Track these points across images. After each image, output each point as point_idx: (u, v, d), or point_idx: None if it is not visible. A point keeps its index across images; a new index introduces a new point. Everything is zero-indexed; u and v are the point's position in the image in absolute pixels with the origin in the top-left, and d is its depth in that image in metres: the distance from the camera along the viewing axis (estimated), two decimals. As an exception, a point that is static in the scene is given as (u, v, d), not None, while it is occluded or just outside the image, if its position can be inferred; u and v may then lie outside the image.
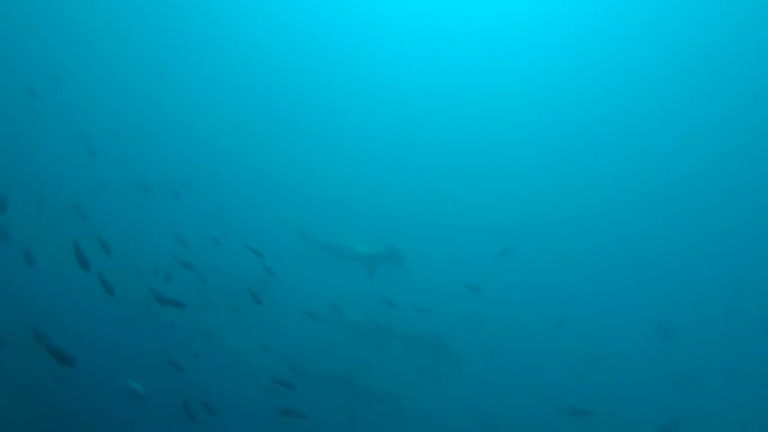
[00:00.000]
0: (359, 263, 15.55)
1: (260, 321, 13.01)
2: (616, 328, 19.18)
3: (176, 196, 18.62)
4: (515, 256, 21.80)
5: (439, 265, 19.61)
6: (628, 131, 32.72)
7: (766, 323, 18.79)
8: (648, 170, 31.31)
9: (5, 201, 8.06)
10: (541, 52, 33.38)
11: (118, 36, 30.30)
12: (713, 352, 18.05)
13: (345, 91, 35.25)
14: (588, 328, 18.75)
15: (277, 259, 12.59)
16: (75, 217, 16.21)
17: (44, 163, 18.13)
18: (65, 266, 12.91)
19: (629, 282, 23.19)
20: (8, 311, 10.43)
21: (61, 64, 25.14)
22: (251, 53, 35.03)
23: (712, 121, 31.32)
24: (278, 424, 10.93)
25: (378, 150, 31.31)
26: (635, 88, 32.82)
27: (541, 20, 32.59)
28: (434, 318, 15.48)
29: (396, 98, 35.22)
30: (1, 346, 9.17)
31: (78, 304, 11.48)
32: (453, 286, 16.94)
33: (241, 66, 34.46)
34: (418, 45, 35.07)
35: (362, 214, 22.77)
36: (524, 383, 15.78)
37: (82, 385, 9.27)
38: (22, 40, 24.67)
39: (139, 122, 25.63)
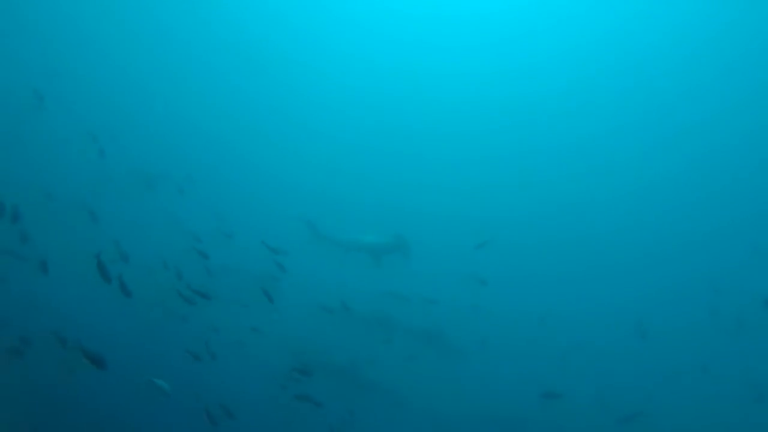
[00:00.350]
0: (366, 253, 15.49)
1: (269, 315, 12.96)
2: (600, 323, 19.29)
3: (181, 192, 18.57)
4: (513, 250, 22.06)
5: (444, 256, 19.60)
6: (612, 130, 32.83)
7: (746, 319, 18.84)
8: (632, 167, 31.42)
9: (17, 210, 7.83)
10: (544, 44, 33.41)
11: (122, 33, 30.06)
12: (693, 347, 18.23)
13: (349, 86, 35.05)
14: (574, 323, 18.87)
15: (284, 255, 12.55)
16: (84, 214, 16.18)
17: (52, 160, 18.03)
18: (76, 263, 12.91)
19: (614, 278, 23.23)
20: (29, 311, 10.40)
21: (66, 62, 24.93)
22: (253, 48, 34.80)
23: (692, 120, 31.54)
24: (290, 419, 11.04)
25: (383, 144, 31.09)
26: (623, 86, 32.96)
27: (542, 13, 32.77)
28: (438, 309, 15.55)
29: (402, 90, 35.06)
30: (27, 346, 9.11)
31: (90, 302, 11.41)
32: (457, 277, 17.05)
33: (243, 61, 34.20)
34: (421, 36, 34.99)
35: (368, 207, 22.61)
36: (517, 374, 15.90)
37: (104, 383, 9.24)
38: (26, 38, 24.38)
39: (144, 118, 25.48)
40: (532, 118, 33.82)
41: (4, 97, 19.07)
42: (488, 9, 34.11)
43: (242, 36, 34.66)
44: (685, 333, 19.05)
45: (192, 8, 32.72)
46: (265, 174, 25.58)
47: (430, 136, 32.30)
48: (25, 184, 16.01)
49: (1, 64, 21.88)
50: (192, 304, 8.86)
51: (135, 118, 25.02)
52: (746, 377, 16.81)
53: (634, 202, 29.57)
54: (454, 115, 33.88)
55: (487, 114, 33.88)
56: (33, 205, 15.44)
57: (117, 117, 23.65)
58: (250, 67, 34.50)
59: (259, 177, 25.10)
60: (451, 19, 34.52)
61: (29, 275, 10.28)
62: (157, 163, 20.56)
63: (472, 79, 35.12)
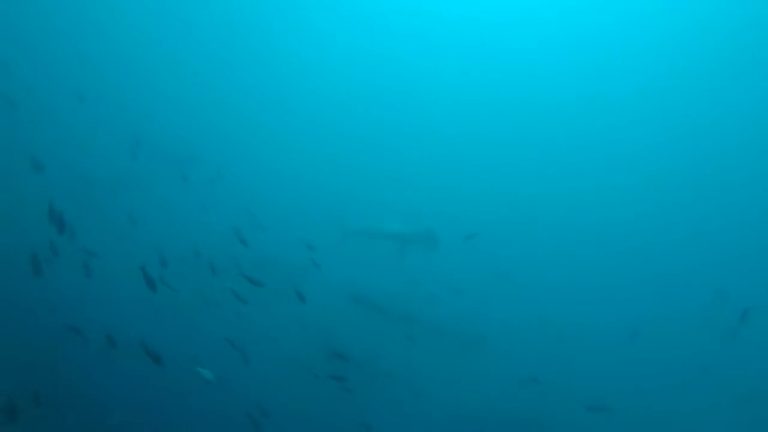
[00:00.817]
0: (393, 242, 15.27)
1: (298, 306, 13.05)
2: (602, 322, 18.95)
3: (213, 183, 18.76)
4: (515, 248, 21.87)
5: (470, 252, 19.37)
6: (613, 130, 32.22)
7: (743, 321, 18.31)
8: (636, 166, 30.80)
9: (63, 219, 7.82)
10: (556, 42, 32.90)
11: (155, 31, 30.26)
12: (693, 347, 17.91)
13: (377, 85, 34.76)
14: (573, 323, 18.55)
15: (314, 250, 12.63)
16: (122, 202, 16.49)
17: (92, 151, 18.32)
18: (114, 254, 13.16)
19: (619, 278, 22.73)
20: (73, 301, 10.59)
21: (103, 59, 25.20)
22: (279, 54, 34.69)
23: (696, 119, 30.94)
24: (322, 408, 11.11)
25: (409, 142, 30.72)
26: (623, 93, 32.44)
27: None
28: (448, 302, 15.44)
29: (426, 89, 34.71)
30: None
31: (130, 294, 11.53)
32: (475, 271, 16.90)
33: (263, 66, 34.01)
34: (446, 38, 34.63)
35: (394, 201, 22.39)
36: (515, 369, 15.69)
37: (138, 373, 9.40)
38: (67, 43, 24.57)
39: (177, 111, 25.66)
40: (536, 123, 33.22)
41: (48, 95, 19.42)
42: (502, 7, 33.66)
43: (274, 38, 34.51)
44: (684, 333, 18.73)
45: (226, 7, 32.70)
46: (291, 168, 25.55)
47: (452, 136, 31.87)
48: (68, 173, 16.42)
49: (44, 65, 22.29)
50: (245, 303, 8.98)
51: (168, 111, 25.22)
52: (738, 378, 16.58)
53: (642, 203, 28.93)
54: (465, 118, 33.36)
55: (494, 118, 33.39)
56: (74, 194, 15.88)
57: (151, 110, 23.90)
58: (275, 69, 34.30)
59: (285, 170, 25.09)
60: (473, 18, 34.12)
61: (76, 268, 10.48)
62: (191, 154, 20.75)
63: (498, 76, 34.61)
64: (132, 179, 18.31)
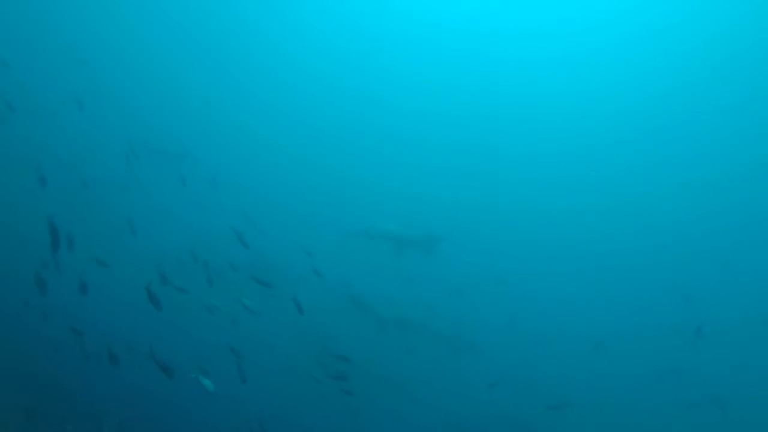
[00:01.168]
0: (389, 243, 15.14)
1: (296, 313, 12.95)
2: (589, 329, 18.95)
3: (212, 186, 18.59)
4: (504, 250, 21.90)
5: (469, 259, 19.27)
6: (595, 138, 32.38)
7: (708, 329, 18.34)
8: (613, 179, 30.89)
9: (58, 236, 7.56)
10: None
11: (154, 36, 30.15)
12: (663, 352, 18.03)
13: (374, 90, 34.70)
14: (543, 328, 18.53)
15: (311, 255, 12.55)
16: (118, 204, 16.34)
17: (89, 155, 18.18)
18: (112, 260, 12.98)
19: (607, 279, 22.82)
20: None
21: (99, 65, 25.05)
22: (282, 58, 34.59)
23: (668, 131, 31.14)
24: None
25: (409, 148, 30.74)
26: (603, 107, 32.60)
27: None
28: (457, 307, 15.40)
29: (430, 95, 34.69)
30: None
31: (127, 300, 11.39)
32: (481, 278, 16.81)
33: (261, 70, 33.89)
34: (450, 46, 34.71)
35: (394, 207, 22.24)
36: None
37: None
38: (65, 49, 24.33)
39: (175, 116, 25.55)
40: (531, 134, 33.27)
41: (46, 99, 19.31)
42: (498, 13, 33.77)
43: (271, 44, 34.38)
44: (653, 338, 18.83)
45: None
46: (289, 172, 25.45)
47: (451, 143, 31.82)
48: (66, 175, 16.28)
49: (42, 69, 22.17)
50: (254, 314, 8.87)
51: (165, 115, 25.12)
52: (702, 383, 16.71)
53: (629, 209, 29.07)
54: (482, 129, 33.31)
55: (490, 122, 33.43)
56: (72, 197, 15.76)
57: (149, 114, 23.79)
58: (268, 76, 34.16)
59: (283, 174, 25.00)
60: (470, 26, 34.20)
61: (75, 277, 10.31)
62: (189, 156, 20.64)
63: (498, 81, 34.65)
64: (130, 183, 18.17)
